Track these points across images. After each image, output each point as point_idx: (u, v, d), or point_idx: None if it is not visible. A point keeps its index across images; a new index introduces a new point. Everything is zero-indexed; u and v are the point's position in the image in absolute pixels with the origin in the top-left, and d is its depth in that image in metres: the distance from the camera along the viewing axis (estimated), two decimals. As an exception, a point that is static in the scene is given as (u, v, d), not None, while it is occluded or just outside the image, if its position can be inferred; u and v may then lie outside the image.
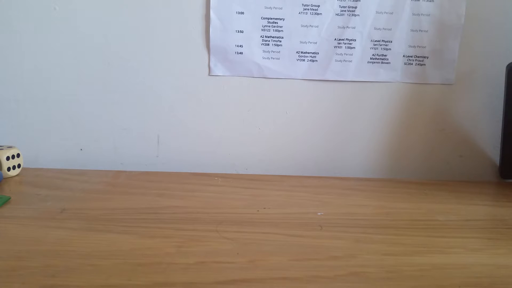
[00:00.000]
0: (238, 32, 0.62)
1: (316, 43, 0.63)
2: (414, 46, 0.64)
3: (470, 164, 0.68)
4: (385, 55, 0.64)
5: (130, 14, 0.62)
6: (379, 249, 0.38)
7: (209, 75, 0.64)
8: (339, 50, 0.63)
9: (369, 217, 0.46)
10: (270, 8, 0.62)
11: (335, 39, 0.63)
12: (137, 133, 0.66)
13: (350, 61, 0.64)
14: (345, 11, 0.62)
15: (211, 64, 0.64)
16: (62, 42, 0.62)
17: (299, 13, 0.62)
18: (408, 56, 0.64)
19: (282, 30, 0.63)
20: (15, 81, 0.63)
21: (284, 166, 0.67)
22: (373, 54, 0.64)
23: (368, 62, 0.64)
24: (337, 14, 0.62)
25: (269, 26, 0.62)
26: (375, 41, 0.63)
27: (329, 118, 0.66)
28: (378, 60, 0.64)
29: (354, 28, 0.63)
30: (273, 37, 0.63)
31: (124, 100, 0.64)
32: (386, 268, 0.35)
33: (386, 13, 0.62)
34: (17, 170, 0.57)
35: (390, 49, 0.63)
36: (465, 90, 0.66)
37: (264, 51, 0.63)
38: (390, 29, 0.63)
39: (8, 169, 0.55)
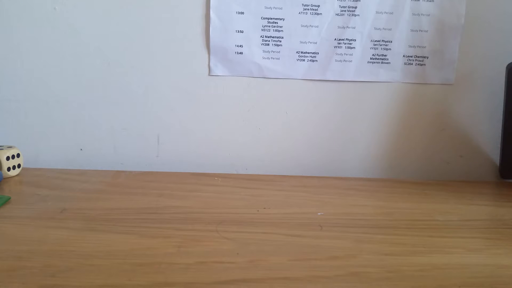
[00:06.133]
0: (238, 32, 0.62)
1: (316, 43, 0.63)
2: (414, 46, 0.64)
3: (470, 164, 0.68)
4: (385, 55, 0.64)
5: (130, 14, 0.62)
6: (379, 249, 0.38)
7: (209, 75, 0.64)
8: (339, 50, 0.63)
9: (369, 217, 0.46)
10: (270, 8, 0.62)
11: (335, 39, 0.63)
12: (137, 133, 0.66)
13: (350, 61, 0.64)
14: (345, 11, 0.62)
15: (211, 64, 0.64)
16: (62, 42, 0.62)
17: (299, 13, 0.62)
18: (408, 56, 0.64)
19: (282, 30, 0.63)
20: (15, 81, 0.63)
21: (284, 166, 0.67)
22: (373, 54, 0.64)
23: (368, 62, 0.64)
24: (337, 14, 0.62)
25: (269, 26, 0.62)
26: (375, 41, 0.63)
27: (329, 118, 0.66)
28: (378, 60, 0.64)
29: (354, 28, 0.63)
30: (273, 37, 0.63)
31: (124, 100, 0.64)
32: (386, 268, 0.35)
33: (386, 13, 0.62)
34: (17, 170, 0.57)
35: (390, 49, 0.63)
36: (465, 90, 0.66)
37: (264, 51, 0.63)
38: (390, 29, 0.63)
39: (8, 169, 0.55)
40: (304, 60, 0.64)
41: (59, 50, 0.63)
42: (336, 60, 0.64)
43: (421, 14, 0.62)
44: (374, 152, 0.67)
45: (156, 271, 0.33)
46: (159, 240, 0.38)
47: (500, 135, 0.63)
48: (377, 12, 0.62)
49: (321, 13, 0.62)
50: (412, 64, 0.64)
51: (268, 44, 0.63)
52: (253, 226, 0.43)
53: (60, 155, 0.65)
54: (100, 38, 0.62)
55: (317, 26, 0.63)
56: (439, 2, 0.62)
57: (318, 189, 0.56)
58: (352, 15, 0.62)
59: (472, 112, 0.66)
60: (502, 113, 0.62)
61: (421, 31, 0.63)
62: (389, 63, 0.64)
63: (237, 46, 0.63)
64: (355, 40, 0.63)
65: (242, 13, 0.62)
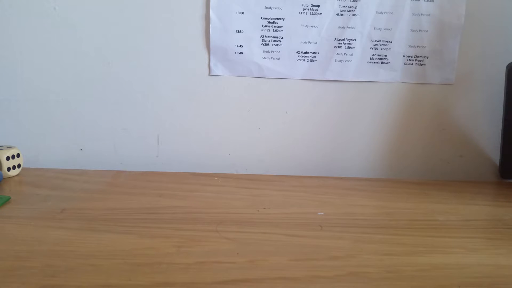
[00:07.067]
0: (238, 32, 0.62)
1: (316, 43, 0.63)
2: (414, 46, 0.64)
3: (470, 164, 0.68)
4: (385, 55, 0.64)
5: (130, 14, 0.62)
6: (379, 249, 0.38)
7: (209, 75, 0.64)
8: (339, 50, 0.63)
9: (369, 217, 0.46)
10: (270, 8, 0.62)
11: (335, 39, 0.63)
12: (137, 133, 0.66)
13: (350, 61, 0.64)
14: (345, 11, 0.62)
15: (211, 64, 0.64)
16: (62, 42, 0.62)
17: (299, 13, 0.62)
18: (408, 56, 0.64)
19: (282, 30, 0.63)
20: (15, 81, 0.63)
21: (284, 166, 0.67)
22: (373, 54, 0.64)
23: (368, 62, 0.64)
24: (337, 14, 0.62)
25: (269, 26, 0.62)
26: (375, 41, 0.63)
27: (329, 118, 0.66)
28: (378, 60, 0.64)
29: (354, 28, 0.63)
30: (273, 37, 0.63)
31: (124, 100, 0.64)
32: (386, 268, 0.35)
33: (386, 13, 0.62)
34: (17, 170, 0.57)
35: (390, 49, 0.63)
36: (465, 90, 0.66)
37: (264, 51, 0.63)
38: (390, 29, 0.63)
39: (8, 169, 0.55)
40: (304, 60, 0.64)
41: (59, 50, 0.63)
42: (336, 60, 0.64)
43: (421, 14, 0.62)
44: (374, 152, 0.67)
45: (156, 271, 0.33)
46: (159, 240, 0.38)
47: (500, 135, 0.63)
48: (377, 12, 0.62)
49: (321, 13, 0.62)
50: (412, 64, 0.64)
51: (268, 44, 0.63)
52: (253, 226, 0.43)
53: (60, 155, 0.65)
54: (100, 38, 0.62)
55: (317, 26, 0.63)
56: (439, 2, 0.62)
57: (318, 189, 0.56)
58: (352, 15, 0.62)
59: (472, 112, 0.66)
60: (502, 113, 0.62)
61: (421, 31, 0.63)
62: (389, 63, 0.64)
63: (237, 46, 0.63)
64: (355, 40, 0.63)
65: (242, 13, 0.62)
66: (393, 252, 0.38)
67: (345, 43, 0.63)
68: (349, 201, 0.51)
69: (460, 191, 0.57)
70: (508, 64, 0.61)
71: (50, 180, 0.55)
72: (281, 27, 0.63)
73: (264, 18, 0.62)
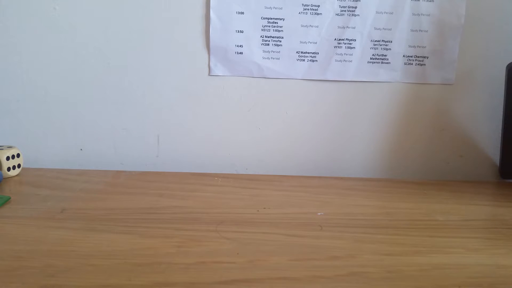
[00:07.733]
0: (238, 32, 0.62)
1: (316, 43, 0.63)
2: (414, 46, 0.64)
3: (470, 164, 0.68)
4: (385, 55, 0.64)
5: (130, 14, 0.62)
6: (379, 249, 0.38)
7: (209, 75, 0.64)
8: (339, 50, 0.63)
9: (369, 217, 0.46)
10: (270, 8, 0.62)
11: (335, 39, 0.63)
12: (137, 133, 0.66)
13: (350, 61, 0.64)
14: (345, 11, 0.62)
15: (211, 64, 0.64)
16: (62, 42, 0.62)
17: (299, 13, 0.62)
18: (408, 56, 0.64)
19: (282, 30, 0.63)
20: (15, 81, 0.63)
21: (284, 166, 0.67)
22: (373, 54, 0.64)
23: (368, 62, 0.64)
24: (337, 14, 0.62)
25: (269, 26, 0.62)
26: (375, 41, 0.63)
27: (329, 118, 0.66)
28: (378, 60, 0.64)
29: (354, 28, 0.63)
30: (273, 37, 0.63)
31: (124, 100, 0.64)
32: (386, 268, 0.35)
33: (386, 13, 0.62)
34: (17, 170, 0.57)
35: (390, 49, 0.63)
36: (465, 90, 0.66)
37: (264, 51, 0.63)
38: (390, 29, 0.63)
39: (8, 169, 0.55)
40: (304, 60, 0.64)
41: (59, 50, 0.63)
42: (336, 60, 0.64)
43: (421, 14, 0.62)
44: (374, 152, 0.67)
45: (156, 271, 0.33)
46: (159, 240, 0.38)
47: (500, 135, 0.63)
48: (377, 12, 0.62)
49: (321, 13, 0.62)
50: (412, 64, 0.64)
51: (268, 44, 0.63)
52: (253, 226, 0.43)
53: (60, 155, 0.65)
54: (100, 38, 0.62)
55: (317, 26, 0.63)
56: (439, 2, 0.62)
57: (318, 189, 0.56)
58: (352, 15, 0.62)
59: (472, 112, 0.66)
60: (502, 113, 0.62)
61: (421, 31, 0.63)
62: (389, 63, 0.64)
63: (237, 46, 0.63)
64: (355, 40, 0.63)
65: (242, 13, 0.62)
66: (393, 252, 0.38)
67: (345, 43, 0.63)
68: (349, 201, 0.51)
69: (460, 191, 0.57)
70: (508, 64, 0.61)
71: (50, 180, 0.55)
72: (281, 27, 0.63)
73: (264, 18, 0.62)
